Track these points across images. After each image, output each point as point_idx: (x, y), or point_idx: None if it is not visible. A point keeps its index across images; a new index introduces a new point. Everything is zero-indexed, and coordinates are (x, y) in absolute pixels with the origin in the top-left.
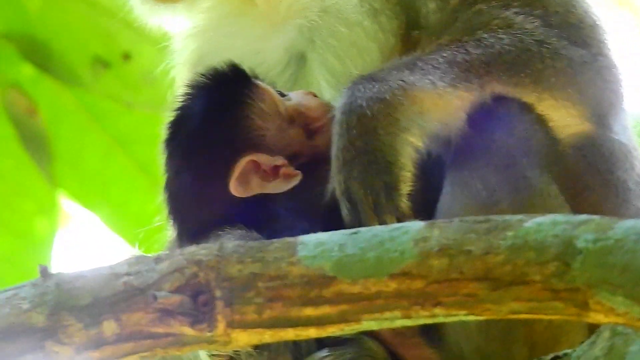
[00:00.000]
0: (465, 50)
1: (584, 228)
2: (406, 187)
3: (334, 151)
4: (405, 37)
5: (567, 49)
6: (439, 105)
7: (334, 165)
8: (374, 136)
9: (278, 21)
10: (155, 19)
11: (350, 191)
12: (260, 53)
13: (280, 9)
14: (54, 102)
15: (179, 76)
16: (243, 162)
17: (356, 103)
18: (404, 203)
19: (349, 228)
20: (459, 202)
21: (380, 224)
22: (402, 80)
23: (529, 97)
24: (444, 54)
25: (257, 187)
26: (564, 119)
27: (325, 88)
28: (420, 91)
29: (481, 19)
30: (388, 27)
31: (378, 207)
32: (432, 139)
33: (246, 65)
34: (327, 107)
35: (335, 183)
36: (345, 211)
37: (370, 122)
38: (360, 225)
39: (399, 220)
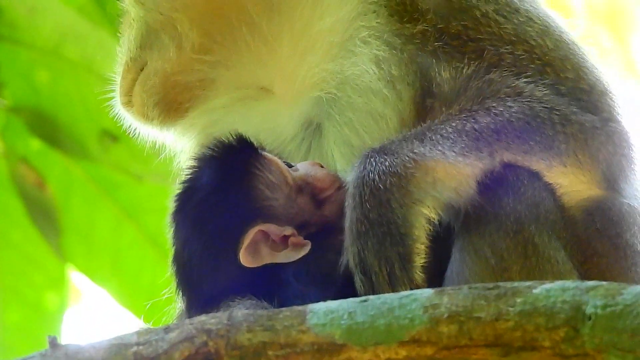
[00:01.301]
0: (475, 119)
1: (592, 294)
2: (420, 258)
3: (348, 224)
4: (419, 105)
5: (578, 115)
6: (451, 175)
7: (348, 237)
8: (388, 209)
9: (293, 96)
10: (163, 137)
11: (364, 263)
12: (272, 127)
13: (295, 85)
14: (63, 175)
15: (188, 151)
16: (252, 233)
17: (369, 177)
18: (418, 275)
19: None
20: (468, 268)
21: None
22: (413, 152)
23: (538, 164)
24: (454, 124)
25: (267, 256)
26: (574, 185)
27: (339, 160)
28: (431, 162)
29: (491, 88)
30: (405, 95)
31: (393, 279)
32: (445, 208)
33: (259, 140)
34: (335, 178)
35: (349, 255)
36: (359, 282)
37: (384, 194)
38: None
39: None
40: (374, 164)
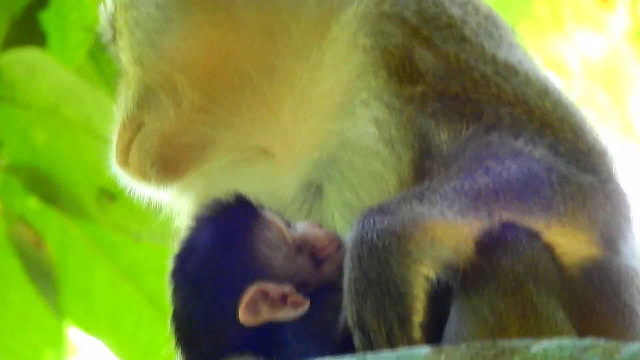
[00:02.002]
0: (473, 179)
1: (591, 352)
2: (418, 317)
3: (346, 283)
4: (418, 167)
5: (576, 176)
6: (449, 234)
7: (347, 296)
8: (386, 268)
9: (294, 158)
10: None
11: (363, 322)
12: (273, 189)
13: (295, 148)
14: (61, 234)
15: (186, 211)
16: (251, 291)
17: (367, 236)
18: (417, 334)
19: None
20: (467, 327)
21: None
22: (412, 212)
23: (537, 224)
24: (452, 184)
25: (266, 314)
26: (572, 245)
27: (339, 221)
28: (430, 221)
29: (490, 149)
30: (404, 156)
31: (392, 338)
32: (443, 267)
33: (257, 200)
34: (334, 237)
35: (347, 314)
36: (358, 341)
37: (382, 254)
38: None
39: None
40: (373, 223)
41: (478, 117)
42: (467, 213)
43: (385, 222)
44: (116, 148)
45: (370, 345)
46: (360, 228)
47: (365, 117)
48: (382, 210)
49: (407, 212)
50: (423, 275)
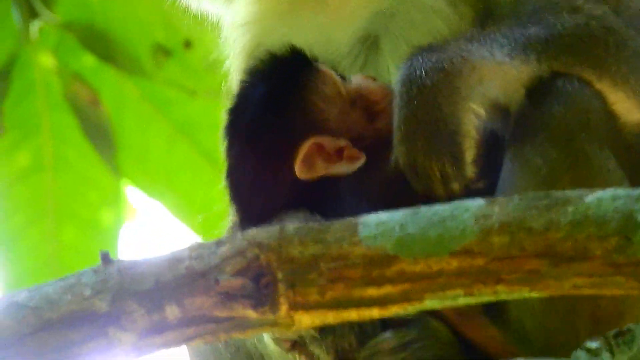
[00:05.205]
0: (525, 27)
1: None
2: (471, 154)
3: (396, 123)
4: (480, 26)
5: (634, 41)
6: (497, 74)
7: (396, 137)
8: (436, 106)
9: (351, 9)
10: (214, 9)
11: (415, 162)
12: (327, 40)
13: None
14: (117, 92)
15: (236, 64)
16: (307, 145)
17: (415, 74)
18: (470, 171)
19: (418, 198)
20: (519, 178)
21: (449, 193)
22: (460, 49)
23: (589, 76)
24: (503, 30)
25: (322, 169)
26: (624, 106)
27: (394, 74)
28: (478, 60)
29: (549, 5)
30: (467, 16)
31: (445, 177)
32: (493, 108)
33: (311, 52)
34: (388, 90)
35: (398, 155)
36: (411, 182)
37: (431, 92)
38: (429, 195)
39: (467, 188)
40: (421, 61)
41: None
42: (515, 56)
43: (434, 60)
44: None
45: (424, 186)
46: (408, 66)
47: None
48: (430, 49)
49: (456, 50)
50: (473, 111)
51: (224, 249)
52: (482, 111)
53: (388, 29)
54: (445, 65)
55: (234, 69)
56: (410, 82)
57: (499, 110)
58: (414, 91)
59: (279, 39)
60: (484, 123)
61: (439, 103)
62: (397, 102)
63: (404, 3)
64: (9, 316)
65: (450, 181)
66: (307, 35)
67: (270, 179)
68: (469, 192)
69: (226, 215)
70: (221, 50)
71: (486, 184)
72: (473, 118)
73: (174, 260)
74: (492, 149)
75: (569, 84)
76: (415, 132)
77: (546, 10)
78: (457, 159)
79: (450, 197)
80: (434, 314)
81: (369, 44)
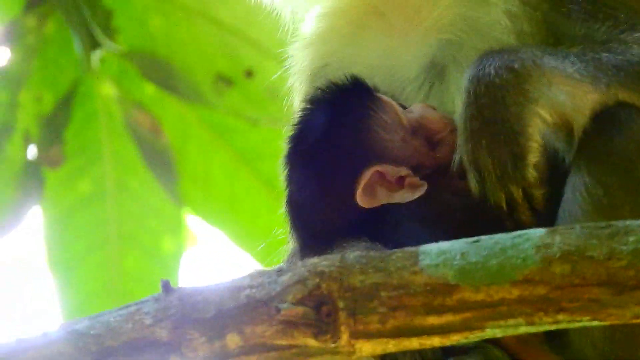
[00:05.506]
0: (596, 53)
1: None
2: (533, 157)
3: (461, 120)
4: None
5: None
6: (566, 85)
7: (461, 134)
8: (502, 106)
9: (413, 34)
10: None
11: (477, 161)
12: (392, 65)
13: (414, 22)
14: (178, 121)
15: (299, 84)
16: (369, 173)
17: (484, 72)
18: (531, 173)
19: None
20: (580, 207)
21: (506, 194)
22: (533, 54)
23: None
24: (575, 51)
25: (383, 197)
26: None
27: (458, 105)
28: (549, 68)
29: (618, 38)
30: None
31: (504, 177)
32: (559, 121)
33: (374, 78)
34: (448, 120)
35: (462, 152)
36: (472, 180)
37: (499, 91)
38: (486, 196)
39: (525, 191)
40: (492, 61)
41: (612, 22)
42: (586, 76)
43: (505, 59)
44: None
45: (484, 184)
46: (478, 64)
47: (500, 7)
48: (502, 51)
49: (528, 54)
50: (539, 115)
51: (285, 278)
52: (548, 117)
53: (456, 59)
54: (516, 66)
55: (296, 89)
56: (479, 80)
57: (564, 127)
58: (482, 89)
59: (343, 61)
60: (548, 138)
61: (506, 103)
62: (463, 100)
63: (473, 34)
64: (70, 344)
65: (509, 183)
66: (372, 58)
67: (331, 207)
68: (529, 204)
69: (286, 242)
70: (282, 79)
71: (546, 194)
72: (539, 122)
73: (235, 289)
74: (553, 169)
75: (632, 115)
76: (479, 131)
77: (612, 40)
78: (518, 161)
79: (508, 201)
80: (494, 342)
81: (436, 72)
